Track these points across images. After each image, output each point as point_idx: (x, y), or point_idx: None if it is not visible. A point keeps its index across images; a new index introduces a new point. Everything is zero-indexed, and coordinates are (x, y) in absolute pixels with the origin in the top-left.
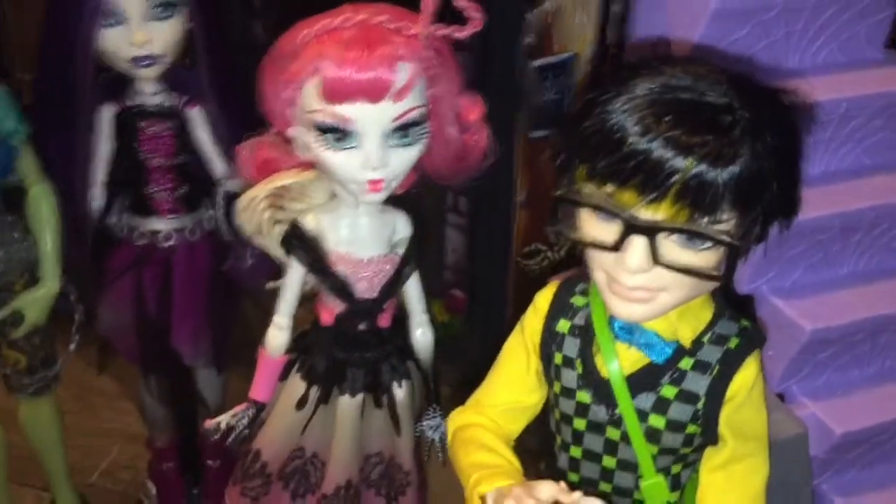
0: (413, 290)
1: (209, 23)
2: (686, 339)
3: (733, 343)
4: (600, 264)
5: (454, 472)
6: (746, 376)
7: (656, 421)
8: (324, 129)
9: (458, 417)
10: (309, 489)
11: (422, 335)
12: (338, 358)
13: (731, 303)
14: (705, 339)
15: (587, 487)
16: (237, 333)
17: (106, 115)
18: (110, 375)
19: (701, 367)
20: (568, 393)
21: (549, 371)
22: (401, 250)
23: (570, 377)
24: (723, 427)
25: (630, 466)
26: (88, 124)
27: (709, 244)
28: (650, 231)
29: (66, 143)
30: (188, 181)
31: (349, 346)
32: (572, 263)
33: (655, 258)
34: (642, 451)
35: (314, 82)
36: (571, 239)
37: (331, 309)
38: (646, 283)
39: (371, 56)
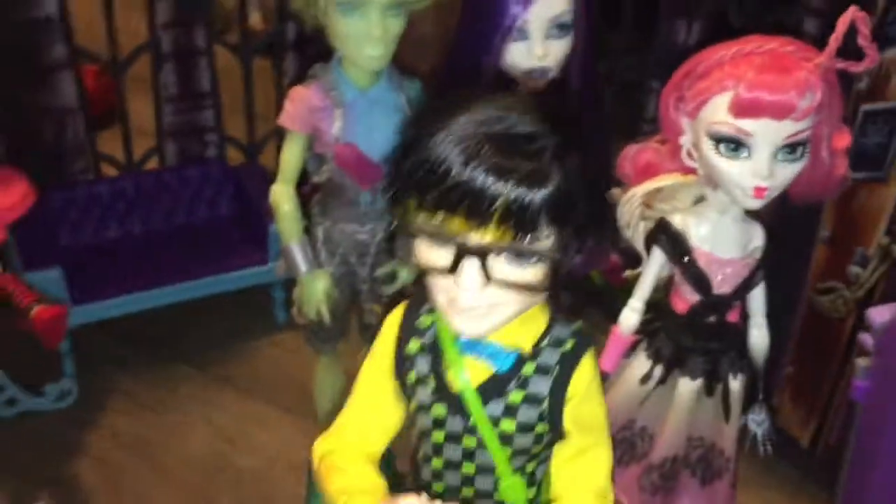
0: (758, 294)
1: (588, 46)
2: (526, 345)
3: (569, 345)
4: (440, 287)
5: None
6: (583, 375)
7: (507, 425)
8: (721, 139)
9: (321, 446)
10: (633, 458)
11: (758, 335)
12: (684, 345)
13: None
14: (544, 343)
15: (451, 495)
16: None
17: None
18: None
19: (542, 370)
20: (424, 409)
21: (405, 390)
22: (757, 255)
23: (424, 393)
24: (567, 423)
25: (488, 470)
26: None
27: (534, 259)
28: (480, 253)
29: None
30: None
31: (697, 335)
32: (869, 304)
33: (488, 277)
34: (498, 455)
35: (723, 98)
36: (413, 266)
37: (686, 299)
38: (482, 301)
39: (786, 80)
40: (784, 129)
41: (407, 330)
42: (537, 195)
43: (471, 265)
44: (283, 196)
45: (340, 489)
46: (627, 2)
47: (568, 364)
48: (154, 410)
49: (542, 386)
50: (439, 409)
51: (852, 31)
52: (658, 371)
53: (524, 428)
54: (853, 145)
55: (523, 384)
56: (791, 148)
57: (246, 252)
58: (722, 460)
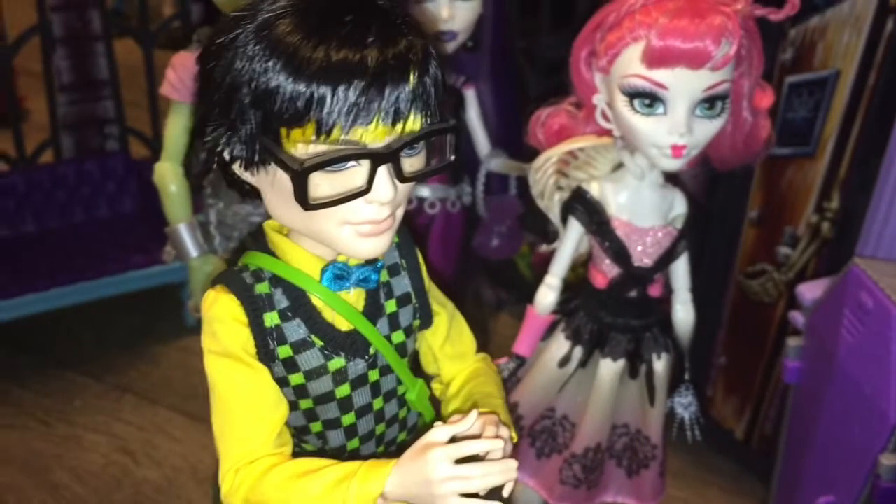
0: (682, 266)
1: (498, 11)
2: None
3: (396, 238)
4: (342, 218)
5: None
6: (420, 257)
7: (398, 337)
8: (635, 94)
9: (241, 482)
10: (555, 449)
11: (682, 311)
12: (604, 322)
13: None
14: None
15: (366, 444)
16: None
17: None
18: None
19: (394, 270)
20: (315, 373)
21: (275, 370)
22: (678, 225)
23: (311, 357)
24: (433, 305)
25: (393, 393)
26: None
27: (422, 143)
28: (395, 155)
29: None
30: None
31: (617, 312)
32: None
33: (402, 178)
34: (401, 369)
35: (636, 48)
36: (316, 206)
37: (605, 273)
38: (392, 209)
39: (700, 25)
40: (701, 81)
41: (252, 306)
42: (431, 70)
43: (383, 173)
44: (168, 175)
45: (332, 483)
46: None
47: (409, 254)
48: (46, 423)
49: (403, 285)
50: (337, 362)
51: None
52: (578, 353)
53: (408, 331)
54: (779, 120)
55: (389, 292)
56: (710, 102)
57: (151, 249)
58: (648, 447)
